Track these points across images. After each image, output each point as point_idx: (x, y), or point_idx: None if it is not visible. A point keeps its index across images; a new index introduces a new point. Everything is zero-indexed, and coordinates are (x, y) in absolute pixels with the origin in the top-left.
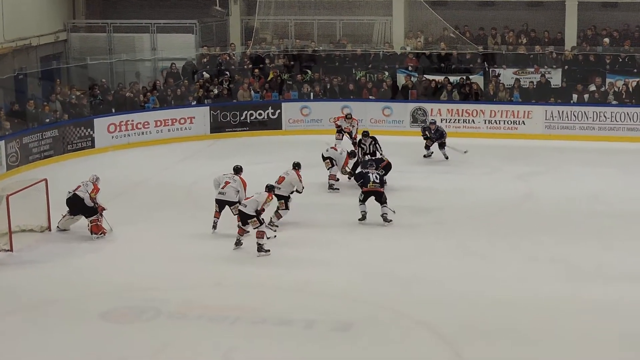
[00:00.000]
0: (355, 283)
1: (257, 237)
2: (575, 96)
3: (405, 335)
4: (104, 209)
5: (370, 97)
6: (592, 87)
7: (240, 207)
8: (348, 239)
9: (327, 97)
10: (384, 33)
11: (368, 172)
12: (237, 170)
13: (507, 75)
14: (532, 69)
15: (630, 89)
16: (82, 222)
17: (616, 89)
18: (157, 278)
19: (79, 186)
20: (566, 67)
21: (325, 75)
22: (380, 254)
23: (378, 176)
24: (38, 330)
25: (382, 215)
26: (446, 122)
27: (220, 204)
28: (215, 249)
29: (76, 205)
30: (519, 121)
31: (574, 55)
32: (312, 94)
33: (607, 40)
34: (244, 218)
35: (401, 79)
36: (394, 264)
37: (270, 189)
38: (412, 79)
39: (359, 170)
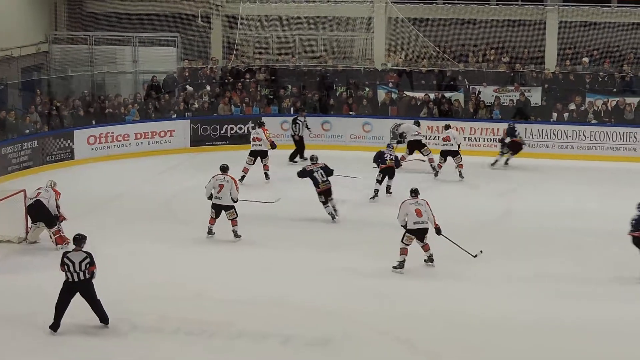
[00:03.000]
0: (333, 298)
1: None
2: (555, 115)
3: (384, 352)
4: (65, 219)
5: (351, 112)
6: (572, 106)
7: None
8: (327, 254)
9: (307, 113)
10: (365, 49)
11: (314, 173)
12: (225, 169)
13: (487, 93)
14: (512, 87)
15: (610, 109)
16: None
17: (596, 108)
18: (135, 291)
19: (39, 192)
20: (546, 85)
21: (306, 91)
22: (360, 269)
23: (323, 173)
24: (13, 343)
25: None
26: (426, 139)
27: (217, 209)
28: (194, 262)
29: (38, 212)
30: (498, 139)
31: (554, 74)
32: (292, 108)
33: (586, 59)
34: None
35: (381, 95)
36: (373, 280)
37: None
38: (393, 95)
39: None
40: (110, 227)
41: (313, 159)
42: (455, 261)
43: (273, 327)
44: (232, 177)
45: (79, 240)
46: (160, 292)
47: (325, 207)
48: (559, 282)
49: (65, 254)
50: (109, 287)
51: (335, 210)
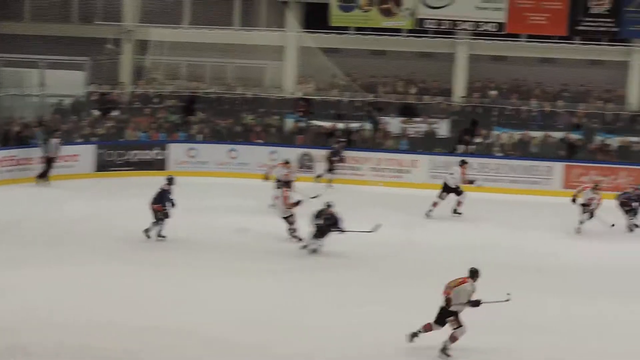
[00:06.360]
0: (243, 329)
1: (450, 339)
2: (461, 147)
3: None
4: None
5: (258, 140)
6: (478, 139)
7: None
8: (243, 282)
9: (214, 140)
10: (275, 77)
11: None
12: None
13: (395, 124)
14: (420, 119)
15: (515, 142)
16: None
17: (502, 141)
18: (33, 317)
19: None
20: (454, 117)
21: (214, 118)
22: (259, 299)
23: None
24: None
25: None
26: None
27: None
28: (99, 288)
29: None
30: (404, 170)
31: (461, 107)
32: (200, 135)
33: (494, 92)
34: (442, 315)
35: (290, 124)
36: (275, 310)
37: (472, 274)
38: (301, 124)
39: None
40: (11, 252)
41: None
42: (355, 291)
43: (178, 357)
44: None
45: None
46: (60, 318)
47: None
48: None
49: None
50: (5, 313)
51: None
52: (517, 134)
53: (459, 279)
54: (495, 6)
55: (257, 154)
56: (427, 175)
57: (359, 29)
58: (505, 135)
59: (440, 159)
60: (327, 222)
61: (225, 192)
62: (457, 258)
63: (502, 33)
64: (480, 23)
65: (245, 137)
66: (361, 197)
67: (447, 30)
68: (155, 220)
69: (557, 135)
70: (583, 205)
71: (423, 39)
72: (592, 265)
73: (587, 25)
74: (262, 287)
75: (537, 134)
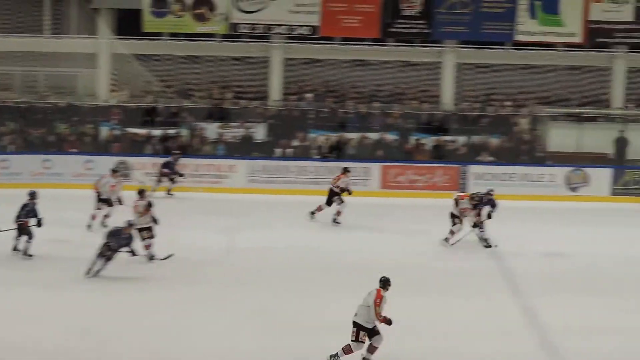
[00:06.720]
0: (58, 339)
1: (369, 350)
2: (278, 150)
3: None
4: None
5: (73, 150)
6: (295, 142)
7: (355, 318)
8: (54, 293)
9: (27, 150)
10: (88, 85)
11: None
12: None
13: (211, 129)
14: (237, 123)
15: (332, 144)
16: None
17: (318, 144)
18: None
19: None
20: (270, 121)
21: (26, 128)
22: (79, 309)
23: None
24: None
25: None
26: (150, 176)
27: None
28: None
29: None
30: (222, 175)
31: (278, 110)
32: (11, 146)
33: (310, 95)
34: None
35: (104, 132)
36: (94, 320)
37: (384, 283)
38: (116, 132)
39: None
40: None
41: None
42: (178, 298)
43: None
44: None
45: None
46: None
47: None
48: (276, 317)
49: None
50: None
51: None
52: (333, 136)
53: (374, 294)
54: (308, 10)
55: (72, 164)
56: (245, 179)
57: (172, 34)
58: (322, 138)
59: (258, 164)
60: (121, 242)
61: (40, 203)
62: (281, 261)
63: (316, 36)
64: (294, 27)
65: (59, 146)
66: (181, 204)
67: (262, 34)
68: (18, 235)
69: (373, 136)
70: (454, 215)
71: (237, 43)
72: (417, 262)
73: (400, 27)
74: (87, 300)
75: (354, 136)
